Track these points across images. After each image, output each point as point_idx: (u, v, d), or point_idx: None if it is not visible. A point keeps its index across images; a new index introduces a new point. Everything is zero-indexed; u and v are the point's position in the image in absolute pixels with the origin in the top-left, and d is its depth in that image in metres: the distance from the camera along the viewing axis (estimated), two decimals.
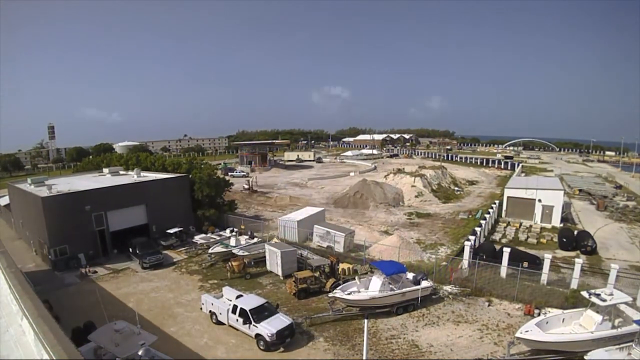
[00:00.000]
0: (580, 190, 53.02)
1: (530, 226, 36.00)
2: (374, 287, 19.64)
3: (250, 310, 17.47)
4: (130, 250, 28.63)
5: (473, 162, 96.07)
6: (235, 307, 18.05)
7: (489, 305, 20.63)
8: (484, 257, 24.10)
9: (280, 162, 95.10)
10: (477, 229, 29.84)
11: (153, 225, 32.28)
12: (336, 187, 58.67)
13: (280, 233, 31.95)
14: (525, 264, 22.81)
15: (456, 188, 58.01)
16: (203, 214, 35.14)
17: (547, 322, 16.27)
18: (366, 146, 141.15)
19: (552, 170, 76.66)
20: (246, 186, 57.02)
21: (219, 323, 18.88)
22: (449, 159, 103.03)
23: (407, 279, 20.75)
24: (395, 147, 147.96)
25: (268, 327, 16.67)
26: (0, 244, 27.01)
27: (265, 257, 26.17)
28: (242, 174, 74.32)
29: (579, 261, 21.94)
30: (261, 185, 62.44)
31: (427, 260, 27.10)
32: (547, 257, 22.76)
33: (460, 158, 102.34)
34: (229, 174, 69.39)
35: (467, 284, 22.50)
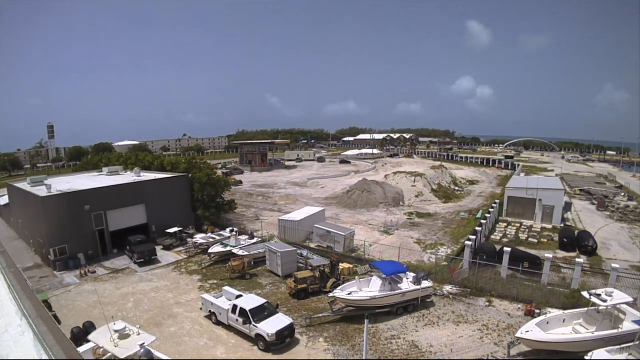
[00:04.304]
0: (581, 190, 52.94)
1: (531, 226, 35.93)
2: (374, 288, 19.61)
3: (250, 310, 17.43)
4: (127, 248, 28.72)
5: (473, 161, 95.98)
6: (235, 307, 18.01)
7: (489, 306, 20.59)
8: (485, 257, 24.05)
9: (281, 162, 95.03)
10: (478, 229, 29.77)
11: (153, 225, 32.26)
12: (336, 187, 58.63)
13: (280, 233, 31.90)
14: (526, 264, 22.77)
15: (456, 188, 57.94)
16: (203, 213, 35.11)
17: (547, 323, 16.22)
18: (367, 146, 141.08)
19: (552, 170, 76.57)
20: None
21: (219, 323, 18.84)
22: (450, 158, 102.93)
23: (408, 279, 20.70)
24: (396, 146, 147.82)
25: (268, 328, 16.63)
26: (0, 243, 26.99)
27: (265, 257, 26.15)
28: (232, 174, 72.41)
29: (580, 261, 21.88)
30: (261, 185, 62.43)
31: (428, 260, 27.07)
32: (548, 257, 22.72)
33: (461, 158, 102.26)
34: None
35: (467, 284, 22.47)
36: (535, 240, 31.36)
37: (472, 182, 64.54)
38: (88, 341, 14.04)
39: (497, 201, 41.04)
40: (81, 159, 67.47)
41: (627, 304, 15.76)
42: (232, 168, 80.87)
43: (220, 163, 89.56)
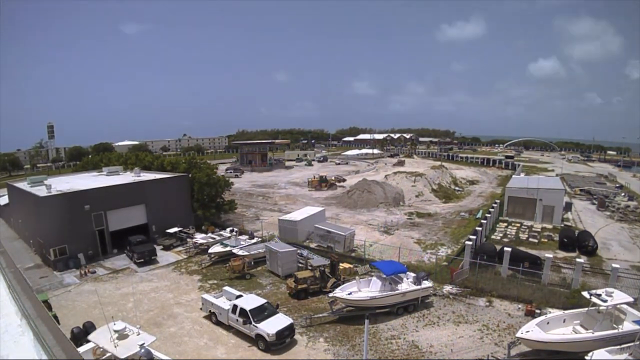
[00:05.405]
0: (581, 190, 52.94)
1: (531, 226, 35.92)
2: (374, 288, 19.60)
3: (250, 310, 17.42)
4: (127, 248, 28.73)
5: (474, 161, 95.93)
6: (235, 307, 18.00)
7: (489, 306, 20.58)
8: (485, 257, 24.05)
9: (281, 162, 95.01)
10: (478, 229, 29.76)
11: (153, 225, 32.24)
12: (336, 187, 58.56)
13: (280, 233, 31.88)
14: (526, 265, 22.76)
15: (456, 188, 57.94)
16: (203, 213, 35.09)
17: (548, 323, 16.20)
18: (367, 146, 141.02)
19: (553, 170, 76.58)
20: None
21: (219, 323, 18.84)
22: (450, 158, 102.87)
23: (408, 279, 20.70)
24: (396, 146, 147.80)
25: (268, 328, 16.63)
26: (0, 243, 27.01)
27: (265, 257, 26.15)
28: (234, 174, 71.62)
29: (580, 261, 21.90)
30: (261, 185, 62.42)
31: (428, 260, 27.07)
32: (548, 257, 22.72)
33: (461, 158, 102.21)
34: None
35: (467, 284, 22.47)
36: (536, 240, 31.35)
37: (472, 182, 64.51)
38: (88, 341, 14.05)
39: (497, 201, 41.00)
40: (81, 159, 67.45)
41: (627, 304, 15.76)
42: (232, 168, 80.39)
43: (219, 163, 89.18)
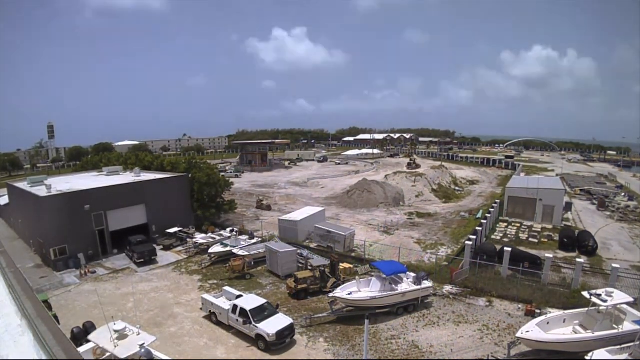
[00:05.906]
0: (581, 190, 52.93)
1: (531, 226, 35.90)
2: (374, 288, 19.60)
3: (250, 310, 17.42)
4: (128, 248, 28.74)
5: (474, 161, 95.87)
6: (235, 307, 18.00)
7: (489, 306, 20.58)
8: (485, 257, 24.05)
9: (281, 162, 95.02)
10: (478, 229, 29.75)
11: (153, 225, 32.24)
12: (336, 187, 58.62)
13: (281, 233, 31.88)
14: (526, 265, 22.76)
15: (457, 188, 57.92)
16: (203, 213, 35.08)
17: (548, 323, 16.20)
18: (367, 146, 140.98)
19: (553, 170, 76.56)
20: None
21: (219, 323, 18.84)
22: (450, 158, 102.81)
23: (408, 279, 20.70)
24: (396, 146, 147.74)
25: (268, 328, 16.63)
26: (0, 243, 27.01)
27: (265, 257, 26.15)
28: (234, 174, 71.60)
29: (580, 261, 21.90)
30: (261, 185, 62.44)
31: (428, 260, 27.06)
32: (548, 257, 22.72)
33: (461, 158, 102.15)
34: (221, 173, 68.05)
35: (467, 284, 22.47)
36: (536, 240, 31.34)
37: (472, 182, 64.50)
38: (88, 341, 14.05)
39: (497, 201, 40.99)
40: (81, 159, 67.48)
41: (627, 304, 15.76)
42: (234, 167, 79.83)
43: (221, 164, 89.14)
